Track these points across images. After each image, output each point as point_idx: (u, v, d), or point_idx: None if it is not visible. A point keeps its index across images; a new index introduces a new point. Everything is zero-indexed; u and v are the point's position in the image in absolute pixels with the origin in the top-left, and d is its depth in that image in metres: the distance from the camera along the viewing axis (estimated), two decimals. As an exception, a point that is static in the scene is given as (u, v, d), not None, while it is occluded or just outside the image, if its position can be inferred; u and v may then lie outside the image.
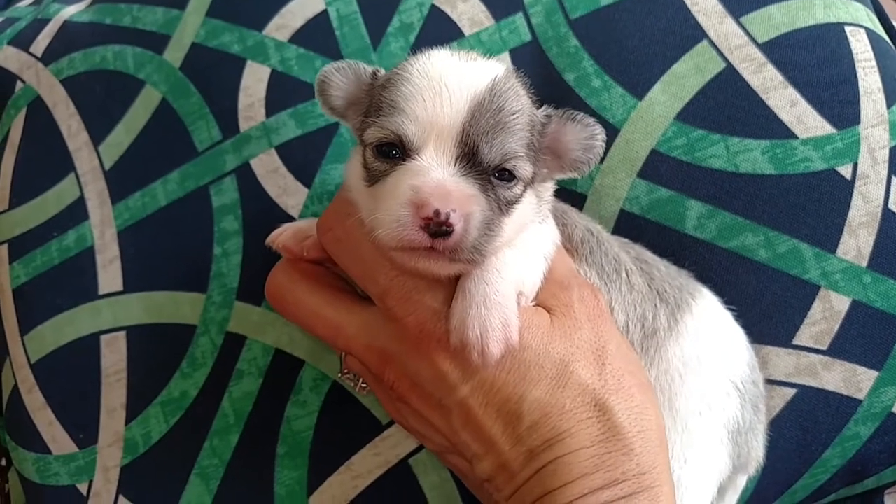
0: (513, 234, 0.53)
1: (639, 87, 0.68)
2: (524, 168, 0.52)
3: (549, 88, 0.69)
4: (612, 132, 0.68)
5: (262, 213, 0.70)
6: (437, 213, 0.47)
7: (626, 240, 0.65)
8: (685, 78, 0.68)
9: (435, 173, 0.49)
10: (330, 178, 0.70)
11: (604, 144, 0.56)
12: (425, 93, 0.51)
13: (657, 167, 0.66)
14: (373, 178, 0.53)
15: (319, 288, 0.60)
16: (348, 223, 0.55)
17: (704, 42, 0.69)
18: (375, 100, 0.54)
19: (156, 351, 0.71)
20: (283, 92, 0.72)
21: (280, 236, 0.62)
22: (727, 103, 0.67)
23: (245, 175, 0.71)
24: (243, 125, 0.72)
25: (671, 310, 0.60)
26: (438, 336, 0.53)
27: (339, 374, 0.67)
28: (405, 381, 0.56)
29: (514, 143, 0.51)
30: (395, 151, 0.51)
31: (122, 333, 0.72)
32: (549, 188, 0.59)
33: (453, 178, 0.49)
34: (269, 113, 0.72)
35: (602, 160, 0.67)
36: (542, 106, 0.57)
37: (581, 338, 0.54)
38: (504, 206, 0.52)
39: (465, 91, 0.51)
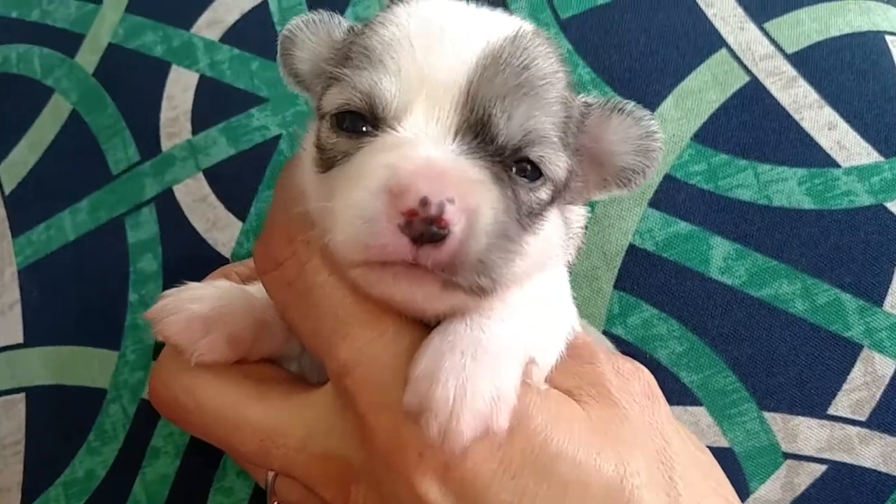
0: (531, 268, 0.34)
1: (646, 101, 0.52)
2: (557, 162, 0.33)
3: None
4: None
5: (186, 251, 0.54)
6: (424, 202, 0.29)
7: None
8: (702, 92, 0.52)
9: (424, 147, 0.31)
10: (267, 208, 0.52)
11: (662, 148, 0.38)
12: (415, 36, 0.33)
13: (673, 196, 0.51)
14: (328, 161, 0.34)
15: (235, 377, 0.38)
16: (302, 251, 0.34)
17: (723, 50, 0.53)
18: (344, 53, 0.36)
19: (59, 419, 0.55)
20: (214, 102, 0.56)
21: (167, 319, 0.38)
22: (754, 123, 0.52)
23: (167, 204, 0.55)
24: (165, 143, 0.56)
25: None
26: (423, 444, 0.31)
27: None
28: None
29: (545, 120, 0.33)
30: (364, 123, 0.33)
31: (22, 396, 0.55)
32: (578, 215, 0.40)
33: (451, 155, 0.31)
34: (196, 129, 0.56)
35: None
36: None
37: (632, 435, 0.34)
38: (526, 217, 0.33)
39: (474, 36, 0.33)
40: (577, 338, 0.38)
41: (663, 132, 0.50)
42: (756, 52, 0.53)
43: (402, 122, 0.32)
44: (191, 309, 0.38)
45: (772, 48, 0.53)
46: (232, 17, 0.57)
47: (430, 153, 0.30)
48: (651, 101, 0.52)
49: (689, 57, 0.53)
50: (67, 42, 0.60)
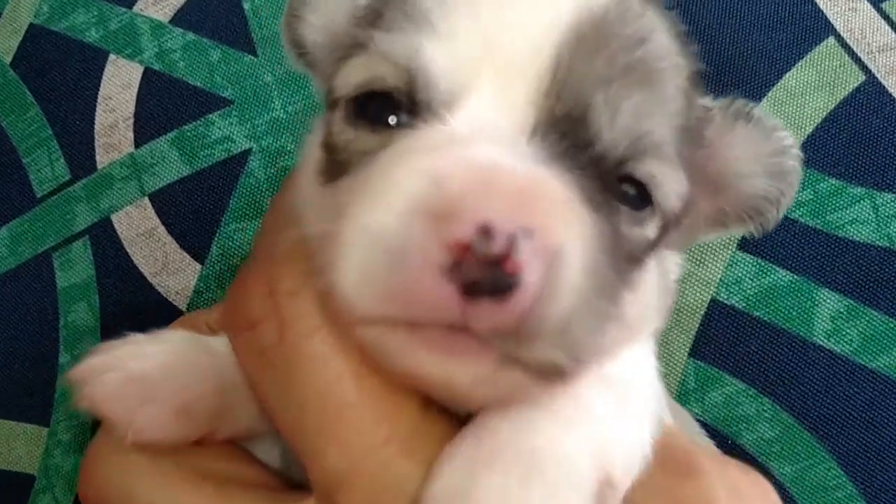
0: (622, 339, 0.25)
1: (731, 108, 0.41)
2: (673, 185, 0.24)
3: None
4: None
5: (130, 300, 0.43)
6: (486, 230, 0.19)
7: None
8: (805, 94, 0.42)
9: (486, 148, 0.21)
10: (234, 246, 0.41)
11: (799, 170, 0.29)
12: None
13: (770, 235, 0.39)
14: (340, 166, 0.24)
15: (189, 479, 0.28)
16: (286, 306, 0.24)
17: (830, 39, 0.44)
18: (373, 12, 0.26)
19: (-24, 509, 0.45)
20: (163, 104, 0.46)
21: (95, 381, 0.28)
22: (872, 137, 0.41)
23: (104, 238, 0.45)
24: (102, 158, 0.46)
25: None
26: None
27: None
28: None
29: (662, 122, 0.24)
30: (397, 112, 0.23)
31: (-69, 478, 0.45)
32: (674, 264, 0.30)
33: (529, 162, 0.22)
34: (139, 139, 0.45)
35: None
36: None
37: None
38: (625, 263, 0.24)
39: None
40: (669, 436, 0.27)
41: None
42: (872, 41, 0.43)
43: (456, 111, 0.22)
44: (128, 368, 0.27)
45: (893, 36, 0.43)
46: (185, -9, 0.45)
47: (496, 157, 0.21)
48: (737, 108, 0.41)
49: (787, 48, 0.43)
50: (-21, 21, 0.49)
